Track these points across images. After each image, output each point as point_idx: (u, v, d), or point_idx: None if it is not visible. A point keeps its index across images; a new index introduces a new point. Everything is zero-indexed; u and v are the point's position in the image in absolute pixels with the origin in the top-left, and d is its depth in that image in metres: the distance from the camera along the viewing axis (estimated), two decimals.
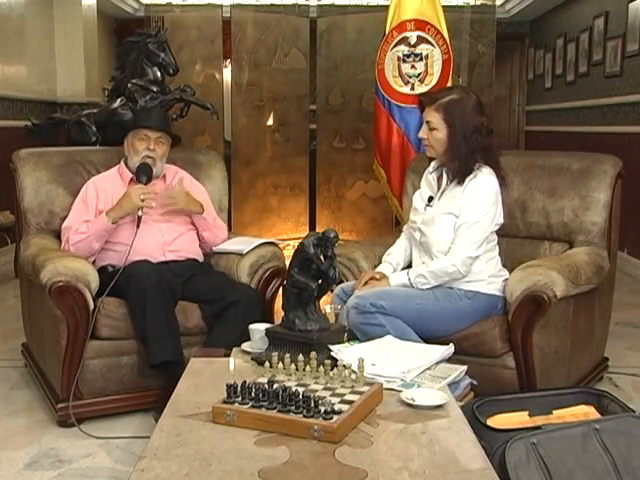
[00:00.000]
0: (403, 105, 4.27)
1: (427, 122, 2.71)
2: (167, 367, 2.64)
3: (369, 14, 6.18)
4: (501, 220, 2.73)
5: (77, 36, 6.71)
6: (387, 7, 4.44)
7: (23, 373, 3.24)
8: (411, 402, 1.90)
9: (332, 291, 2.68)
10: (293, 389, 1.79)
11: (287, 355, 2.07)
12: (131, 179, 3.05)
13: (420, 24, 4.25)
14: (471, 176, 2.66)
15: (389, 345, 2.33)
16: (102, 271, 2.84)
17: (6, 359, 3.43)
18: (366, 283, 2.72)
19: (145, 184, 2.96)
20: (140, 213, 2.89)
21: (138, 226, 2.88)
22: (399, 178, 4.19)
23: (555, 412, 2.16)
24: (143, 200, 2.87)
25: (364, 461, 1.61)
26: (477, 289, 2.68)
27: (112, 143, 3.38)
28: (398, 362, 2.12)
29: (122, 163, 3.12)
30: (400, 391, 1.98)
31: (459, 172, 2.66)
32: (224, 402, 1.81)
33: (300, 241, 2.28)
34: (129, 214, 2.90)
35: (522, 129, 9.12)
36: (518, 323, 2.57)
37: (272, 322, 2.71)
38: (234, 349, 2.43)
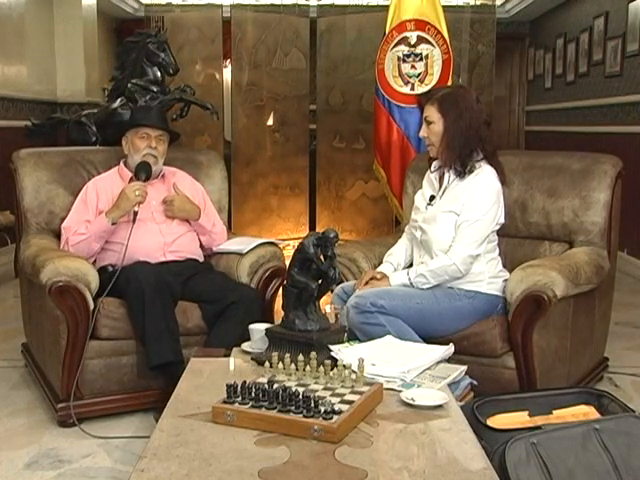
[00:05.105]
0: (403, 105, 4.28)
1: (425, 118, 2.72)
2: (167, 368, 2.64)
3: (369, 14, 6.18)
4: (502, 220, 2.73)
5: (77, 36, 6.71)
6: (387, 7, 4.44)
7: (23, 373, 3.24)
8: (411, 402, 1.90)
9: (332, 291, 2.68)
10: (293, 389, 1.79)
11: (287, 355, 2.07)
12: (130, 178, 3.05)
13: (420, 24, 4.25)
14: (473, 174, 2.66)
15: (389, 345, 2.33)
16: (102, 271, 2.83)
17: (6, 359, 3.43)
18: (367, 283, 2.72)
19: (144, 182, 2.96)
20: (136, 208, 2.88)
21: (134, 221, 2.88)
22: (399, 178, 4.19)
23: (555, 412, 2.16)
24: (138, 195, 2.87)
25: (364, 461, 1.61)
26: (477, 289, 2.68)
27: (112, 143, 3.37)
28: (398, 362, 2.12)
29: (122, 164, 3.13)
30: (400, 391, 1.98)
31: (457, 162, 2.65)
32: (224, 402, 1.81)
33: (300, 241, 2.29)
34: (128, 212, 2.90)
35: (522, 129, 9.11)
36: (518, 323, 2.57)
37: (272, 322, 2.71)
38: (234, 349, 2.43)
